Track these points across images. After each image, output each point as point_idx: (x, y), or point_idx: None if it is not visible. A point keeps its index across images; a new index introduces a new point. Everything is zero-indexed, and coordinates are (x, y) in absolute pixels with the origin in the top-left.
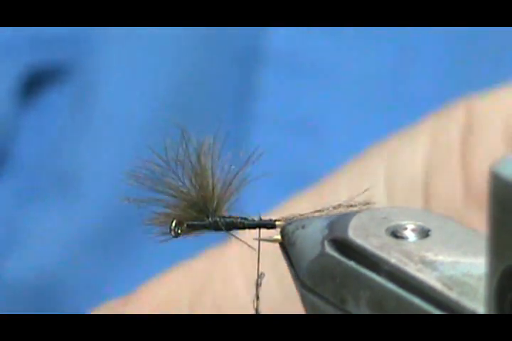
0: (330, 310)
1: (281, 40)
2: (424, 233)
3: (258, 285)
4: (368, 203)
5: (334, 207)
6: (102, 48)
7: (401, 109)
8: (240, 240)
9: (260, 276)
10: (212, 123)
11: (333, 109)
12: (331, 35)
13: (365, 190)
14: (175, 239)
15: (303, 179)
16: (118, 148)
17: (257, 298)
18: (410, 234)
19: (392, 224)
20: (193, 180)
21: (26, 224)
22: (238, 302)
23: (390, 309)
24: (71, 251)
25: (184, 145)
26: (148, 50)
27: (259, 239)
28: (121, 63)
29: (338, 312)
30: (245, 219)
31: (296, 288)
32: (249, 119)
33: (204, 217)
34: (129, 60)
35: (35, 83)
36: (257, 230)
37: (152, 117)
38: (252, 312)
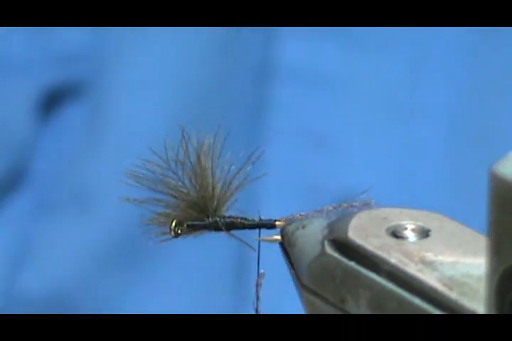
0: (330, 310)
1: (295, 53)
2: (424, 233)
3: (258, 285)
4: (368, 203)
5: (334, 207)
6: (115, 66)
7: (415, 121)
8: (240, 240)
9: (260, 276)
10: (226, 138)
11: (347, 122)
12: (343, 48)
13: (365, 190)
14: (175, 239)
15: (317, 191)
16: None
17: (257, 298)
18: (410, 234)
19: (392, 224)
20: (193, 180)
21: (42, 239)
22: None
23: (390, 309)
24: (86, 266)
25: (184, 146)
26: (160, 67)
27: (259, 239)
28: (135, 80)
29: (338, 312)
30: (245, 219)
31: (296, 288)
32: (263, 132)
33: (204, 217)
34: (143, 77)
35: (51, 101)
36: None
37: (165, 134)
38: None
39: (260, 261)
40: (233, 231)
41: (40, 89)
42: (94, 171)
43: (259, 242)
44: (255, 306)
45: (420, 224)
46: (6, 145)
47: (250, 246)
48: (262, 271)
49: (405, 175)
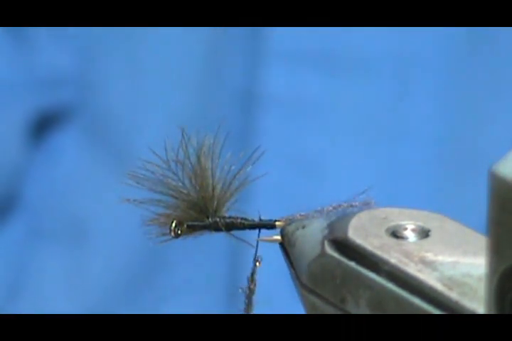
0: (330, 310)
1: (278, 80)
2: (424, 233)
3: (254, 284)
4: (368, 203)
5: (334, 207)
6: (104, 89)
7: (399, 143)
8: (240, 240)
9: (253, 276)
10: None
11: (332, 146)
12: (326, 73)
13: (365, 190)
14: (175, 239)
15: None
16: (128, 190)
17: (249, 299)
18: (410, 234)
19: (392, 224)
20: (193, 180)
21: (34, 267)
22: None
23: (390, 309)
24: (79, 296)
25: (184, 146)
26: (147, 91)
27: (259, 240)
28: (124, 104)
29: (338, 312)
30: (245, 219)
31: (296, 288)
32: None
33: (204, 217)
34: (131, 100)
35: (42, 126)
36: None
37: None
38: None
39: (260, 261)
40: (233, 232)
41: (29, 113)
42: (87, 198)
43: (257, 242)
44: (248, 308)
45: (420, 224)
46: None
47: (251, 246)
48: (253, 281)
49: (391, 197)
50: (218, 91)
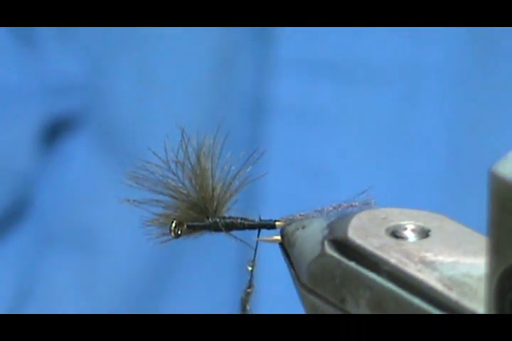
0: (330, 310)
1: (288, 89)
2: (424, 233)
3: (252, 285)
4: (368, 203)
5: (334, 207)
6: (114, 95)
7: (409, 152)
8: (240, 240)
9: (251, 279)
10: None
11: (342, 155)
12: (335, 83)
13: (365, 190)
14: (175, 239)
15: None
16: (128, 190)
17: (245, 303)
18: (410, 234)
19: (392, 224)
20: (193, 181)
21: (45, 274)
22: None
23: (390, 309)
24: (91, 301)
25: (184, 147)
26: (158, 97)
27: (259, 240)
28: (135, 109)
29: (338, 312)
30: (245, 219)
31: (296, 289)
32: (258, 166)
33: (204, 217)
34: (142, 105)
35: (53, 132)
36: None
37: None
38: None
39: (260, 260)
40: (233, 232)
41: (40, 120)
42: (98, 204)
43: (256, 243)
44: (244, 309)
45: (420, 224)
46: (7, 178)
47: (251, 247)
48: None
49: (397, 205)
50: (227, 99)
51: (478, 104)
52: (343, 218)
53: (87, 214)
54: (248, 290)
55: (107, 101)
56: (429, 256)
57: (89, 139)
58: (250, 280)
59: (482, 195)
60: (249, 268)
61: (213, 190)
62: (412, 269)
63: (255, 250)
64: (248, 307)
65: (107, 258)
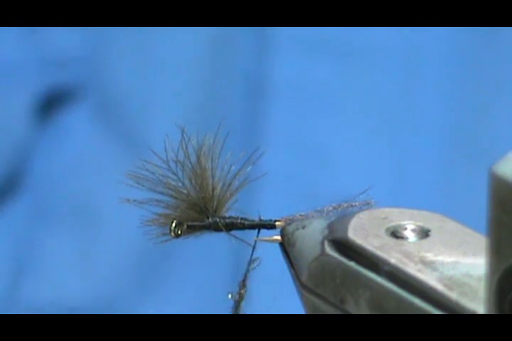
0: (330, 310)
1: (287, 68)
2: (424, 233)
3: (245, 289)
4: (368, 203)
5: (334, 207)
6: (112, 69)
7: (408, 133)
8: (240, 240)
9: (245, 281)
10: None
11: (341, 135)
12: (335, 61)
13: (365, 190)
14: (175, 239)
15: (312, 200)
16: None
17: (238, 304)
18: (410, 234)
19: (392, 224)
20: (193, 181)
21: (42, 248)
22: None
23: (390, 309)
24: (88, 277)
25: (184, 146)
26: (158, 71)
27: (259, 240)
28: (134, 83)
29: (338, 312)
30: (245, 219)
31: (296, 289)
32: (257, 145)
33: (204, 217)
34: (141, 79)
35: (49, 105)
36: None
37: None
38: None
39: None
40: (233, 232)
41: (36, 93)
42: (96, 178)
43: (255, 242)
44: (237, 308)
45: (420, 224)
46: (3, 151)
47: (251, 246)
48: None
49: (398, 186)
50: (226, 77)
51: (478, 86)
52: (343, 218)
53: (84, 188)
54: (241, 291)
55: (105, 74)
56: (429, 256)
57: (87, 112)
58: (244, 281)
59: (479, 176)
60: (247, 268)
61: (213, 189)
62: (412, 269)
63: (253, 250)
64: (241, 308)
65: (105, 233)
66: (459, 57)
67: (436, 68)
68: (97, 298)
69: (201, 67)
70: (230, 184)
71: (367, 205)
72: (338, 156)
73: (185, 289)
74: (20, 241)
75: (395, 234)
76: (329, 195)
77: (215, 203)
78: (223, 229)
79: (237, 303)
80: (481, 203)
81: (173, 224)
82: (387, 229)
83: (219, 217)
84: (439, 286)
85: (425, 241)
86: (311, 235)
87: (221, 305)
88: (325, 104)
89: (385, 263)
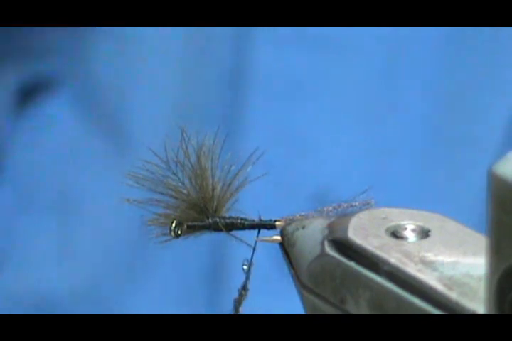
0: (330, 310)
1: (266, 58)
2: (424, 233)
3: (246, 287)
4: (368, 203)
5: (334, 207)
6: (94, 57)
7: (389, 121)
8: (240, 240)
9: (247, 282)
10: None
11: (321, 124)
12: (315, 51)
13: (365, 190)
14: (175, 239)
15: (294, 191)
16: (117, 160)
17: (240, 301)
18: (410, 234)
19: (392, 224)
20: (193, 181)
21: (21, 239)
22: None
23: (390, 309)
24: (68, 266)
25: (184, 147)
26: (140, 63)
27: (259, 240)
28: (115, 71)
29: (338, 312)
30: (245, 219)
31: (297, 289)
32: (238, 135)
33: (204, 217)
34: (122, 67)
35: (29, 95)
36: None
37: (148, 132)
38: None
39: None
40: (233, 232)
41: (18, 82)
42: (76, 167)
43: (255, 242)
44: (237, 309)
45: (420, 224)
46: None
47: (250, 246)
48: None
49: (377, 174)
50: (206, 67)
51: (460, 76)
52: (343, 218)
53: (65, 177)
54: (242, 291)
55: (86, 63)
56: (429, 256)
57: (68, 101)
58: (245, 282)
59: (459, 166)
60: (245, 268)
61: (213, 189)
62: (412, 269)
63: (253, 250)
64: (241, 308)
65: (85, 223)
66: (440, 47)
67: (417, 57)
68: (77, 287)
69: (182, 56)
70: (229, 184)
71: (367, 205)
72: (318, 145)
73: (168, 277)
74: (1, 231)
75: (395, 234)
76: (309, 183)
77: (215, 203)
78: (223, 229)
79: (238, 303)
80: (462, 194)
81: (173, 224)
82: (387, 229)
83: (219, 217)
84: (439, 286)
85: (425, 241)
86: (311, 235)
87: (203, 291)
88: (305, 93)
89: (385, 263)
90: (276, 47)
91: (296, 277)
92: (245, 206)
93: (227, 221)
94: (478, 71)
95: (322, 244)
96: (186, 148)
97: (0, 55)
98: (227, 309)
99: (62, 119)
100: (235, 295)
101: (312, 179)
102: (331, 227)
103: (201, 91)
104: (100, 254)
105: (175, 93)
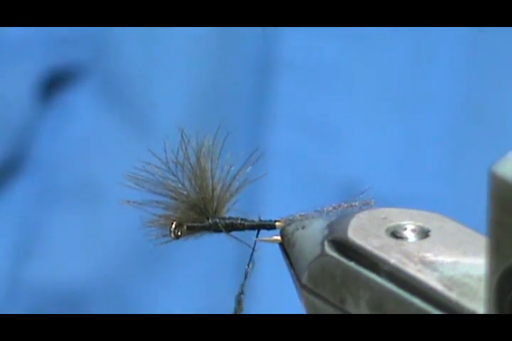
0: (330, 310)
1: (295, 46)
2: (424, 233)
3: (244, 285)
4: (368, 203)
5: (334, 207)
6: (119, 48)
7: (418, 111)
8: (240, 241)
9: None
10: (226, 138)
11: (349, 113)
12: (344, 40)
13: (365, 190)
14: (175, 240)
15: (320, 181)
16: (141, 149)
17: (240, 302)
18: (410, 235)
19: (392, 224)
20: (193, 181)
21: (46, 226)
22: None
23: (390, 309)
24: (93, 257)
25: (184, 147)
26: (166, 52)
27: (259, 240)
28: (140, 62)
29: (338, 312)
30: (245, 220)
31: (297, 289)
32: (265, 125)
33: (204, 218)
34: (147, 58)
35: (54, 84)
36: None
37: (174, 120)
38: None
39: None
40: (233, 233)
41: (41, 71)
42: (100, 157)
43: (255, 243)
44: (238, 310)
45: (420, 224)
46: (7, 130)
47: (250, 247)
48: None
49: (407, 165)
50: (234, 55)
51: (492, 60)
52: (343, 218)
53: (89, 167)
54: (241, 290)
55: (111, 53)
56: (429, 256)
57: (92, 91)
58: (244, 281)
59: (490, 154)
60: (247, 268)
61: (213, 190)
62: (412, 269)
63: (252, 250)
64: (242, 307)
65: (110, 212)
66: (470, 35)
67: (447, 46)
68: (100, 278)
69: (209, 45)
70: (229, 185)
71: (367, 205)
72: (347, 135)
73: (190, 269)
74: (25, 221)
75: (395, 234)
76: (336, 174)
77: (215, 204)
78: (223, 229)
79: (238, 304)
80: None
81: (173, 226)
82: (387, 229)
83: (219, 218)
84: (439, 286)
85: (425, 242)
86: (311, 235)
87: (224, 286)
88: (334, 82)
89: (385, 263)
90: (305, 35)
91: (296, 277)
92: (273, 197)
93: (227, 221)
94: (508, 58)
95: (322, 244)
96: (186, 148)
97: (24, 44)
98: (250, 304)
99: (87, 108)
100: (257, 290)
101: (341, 170)
102: (331, 227)
103: (228, 80)
104: (125, 243)
105: (200, 82)
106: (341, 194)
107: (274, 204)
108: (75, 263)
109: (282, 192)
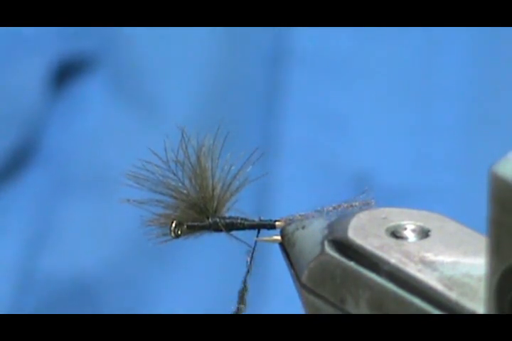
0: (330, 310)
1: (307, 37)
2: (424, 233)
3: (246, 288)
4: (368, 203)
5: (334, 207)
6: (130, 39)
7: (429, 102)
8: (240, 241)
9: (247, 278)
10: (242, 121)
11: (361, 104)
12: (355, 31)
13: (365, 191)
14: (175, 240)
15: (333, 172)
16: (153, 140)
17: (242, 300)
18: (410, 234)
19: (392, 224)
20: (193, 180)
21: (59, 218)
22: None
23: (390, 309)
24: (106, 248)
25: (184, 146)
26: (177, 43)
27: (259, 240)
28: (151, 53)
29: (338, 312)
30: (245, 219)
31: (296, 289)
32: (278, 116)
33: (204, 217)
34: (159, 49)
35: (66, 75)
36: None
37: (185, 111)
38: None
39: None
40: (233, 232)
41: (53, 63)
42: (112, 148)
43: (255, 243)
44: (239, 310)
45: (420, 224)
46: (17, 121)
47: (250, 247)
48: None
49: (419, 156)
50: (246, 46)
51: (504, 52)
52: (343, 218)
53: (101, 157)
54: (242, 290)
55: (121, 44)
56: (429, 256)
57: (104, 82)
58: (245, 281)
59: (500, 145)
60: (248, 263)
61: (213, 189)
62: (412, 269)
63: (253, 250)
64: (243, 307)
65: (121, 203)
66: (483, 29)
67: (458, 37)
68: (113, 268)
69: (221, 36)
70: (230, 184)
71: (367, 205)
72: (359, 126)
73: (199, 260)
74: (37, 213)
75: (395, 234)
76: (348, 165)
77: (215, 203)
78: (223, 229)
79: (238, 304)
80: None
81: (173, 225)
82: (387, 229)
83: (219, 217)
84: (439, 286)
85: (425, 241)
86: (311, 235)
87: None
88: (346, 73)
89: (385, 263)
90: (314, 28)
91: (296, 277)
92: (286, 188)
93: (227, 221)
94: None
95: (322, 244)
96: (186, 147)
97: (35, 35)
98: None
99: (98, 99)
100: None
101: (354, 160)
102: (330, 227)
103: (240, 72)
104: (138, 233)
105: (212, 73)
106: (354, 184)
107: (287, 195)
108: (88, 254)
109: (295, 183)
